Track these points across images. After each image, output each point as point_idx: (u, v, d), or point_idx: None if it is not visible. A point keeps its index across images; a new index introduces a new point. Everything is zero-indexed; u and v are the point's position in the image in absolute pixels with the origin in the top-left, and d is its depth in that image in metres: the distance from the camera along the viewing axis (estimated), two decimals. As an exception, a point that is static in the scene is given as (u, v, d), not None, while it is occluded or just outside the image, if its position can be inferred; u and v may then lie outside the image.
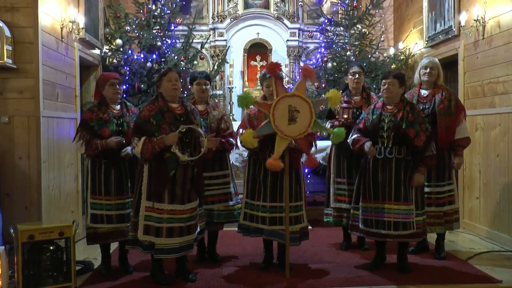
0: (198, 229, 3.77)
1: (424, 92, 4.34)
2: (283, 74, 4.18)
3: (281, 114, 3.71)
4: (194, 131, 3.63)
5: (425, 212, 3.98)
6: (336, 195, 4.60)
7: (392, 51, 7.15)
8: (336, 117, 4.52)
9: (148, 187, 3.57)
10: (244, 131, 3.94)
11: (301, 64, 7.27)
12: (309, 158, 3.84)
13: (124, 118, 3.88)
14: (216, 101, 4.47)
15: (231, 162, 4.44)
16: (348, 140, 4.10)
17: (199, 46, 6.92)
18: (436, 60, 4.39)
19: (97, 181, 3.81)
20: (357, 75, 4.53)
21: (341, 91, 4.74)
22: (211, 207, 4.15)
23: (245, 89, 7.23)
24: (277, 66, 3.82)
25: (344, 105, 4.46)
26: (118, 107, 3.93)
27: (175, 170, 3.54)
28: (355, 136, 4.02)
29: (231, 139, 4.18)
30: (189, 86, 4.36)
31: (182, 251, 3.62)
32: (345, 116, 4.41)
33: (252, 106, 3.90)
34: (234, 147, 4.29)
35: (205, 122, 4.09)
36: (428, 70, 4.30)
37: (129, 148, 3.79)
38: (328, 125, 4.59)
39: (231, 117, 6.36)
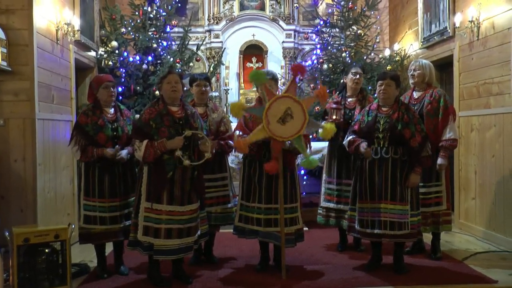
0: (199, 232, 3.76)
1: (415, 94, 4.37)
2: (279, 75, 4.18)
3: (274, 118, 3.71)
4: (196, 136, 3.62)
5: (420, 213, 3.99)
6: (326, 194, 4.64)
7: (387, 52, 7.17)
8: (325, 117, 4.56)
9: (147, 188, 3.58)
10: (240, 132, 3.94)
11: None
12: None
13: (118, 122, 3.89)
14: (215, 103, 4.46)
15: (228, 164, 4.44)
16: (343, 142, 4.12)
17: (194, 48, 6.92)
18: (421, 61, 4.38)
19: (90, 183, 3.82)
20: (358, 76, 4.54)
21: (338, 92, 4.75)
22: (209, 209, 4.15)
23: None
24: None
25: (334, 105, 4.49)
26: (112, 110, 3.93)
27: (173, 171, 3.55)
28: (350, 137, 4.02)
29: (230, 142, 4.18)
30: (185, 88, 4.35)
31: (181, 253, 3.62)
32: (334, 117, 4.46)
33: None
34: (234, 149, 4.29)
35: (204, 124, 4.10)
36: (411, 72, 4.35)
37: (123, 152, 3.79)
38: None
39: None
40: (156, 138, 3.52)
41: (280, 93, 3.85)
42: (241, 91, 7.36)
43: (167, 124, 3.58)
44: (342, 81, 4.84)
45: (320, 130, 3.93)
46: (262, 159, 3.84)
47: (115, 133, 3.84)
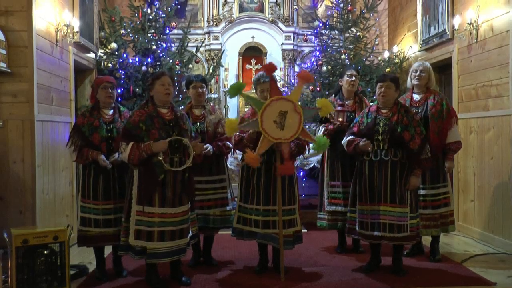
0: (190, 234, 3.76)
1: (416, 97, 4.36)
2: (278, 78, 4.18)
3: (270, 115, 3.69)
4: (181, 141, 3.61)
5: (419, 215, 3.99)
6: (331, 198, 4.59)
7: (386, 54, 7.17)
8: (331, 120, 4.51)
9: (138, 191, 3.55)
10: (238, 133, 3.94)
11: (296, 68, 7.29)
12: (286, 164, 3.73)
13: (114, 124, 3.88)
14: (213, 105, 4.46)
15: (227, 166, 4.44)
16: (342, 142, 4.12)
17: (194, 50, 6.93)
18: (427, 64, 4.41)
19: (86, 185, 3.83)
20: (353, 78, 4.54)
21: (333, 94, 4.75)
22: (207, 212, 4.15)
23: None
24: (273, 67, 3.81)
25: (339, 108, 4.47)
26: (111, 112, 3.93)
27: (164, 174, 3.53)
28: (349, 137, 4.02)
29: (227, 143, 4.18)
30: (185, 90, 4.36)
31: (175, 255, 3.61)
32: (340, 119, 4.42)
33: (246, 109, 3.89)
34: (231, 151, 4.28)
35: (202, 126, 4.09)
36: (418, 73, 4.34)
37: (117, 155, 3.78)
38: (321, 129, 4.57)
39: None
40: (146, 140, 3.49)
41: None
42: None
43: (158, 126, 3.55)
44: (337, 83, 4.83)
45: (311, 145, 3.91)
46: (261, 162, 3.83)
47: (109, 134, 3.84)
